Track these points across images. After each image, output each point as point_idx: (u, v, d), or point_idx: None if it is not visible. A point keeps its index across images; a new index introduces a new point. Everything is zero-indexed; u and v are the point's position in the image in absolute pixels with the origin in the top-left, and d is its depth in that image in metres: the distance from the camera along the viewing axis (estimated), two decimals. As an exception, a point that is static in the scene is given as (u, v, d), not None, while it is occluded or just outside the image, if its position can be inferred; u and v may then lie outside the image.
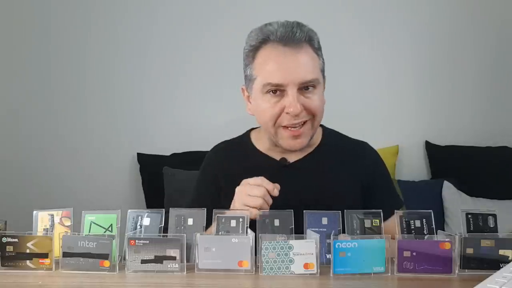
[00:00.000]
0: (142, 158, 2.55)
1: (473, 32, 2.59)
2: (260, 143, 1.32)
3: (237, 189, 1.11)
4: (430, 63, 2.60)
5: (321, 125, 1.36)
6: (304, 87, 1.17)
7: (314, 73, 1.17)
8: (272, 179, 1.24)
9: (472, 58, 2.59)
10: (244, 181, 1.11)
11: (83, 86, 2.62)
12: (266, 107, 1.18)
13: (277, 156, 1.28)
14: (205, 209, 1.04)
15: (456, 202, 2.28)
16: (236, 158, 1.33)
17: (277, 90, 1.16)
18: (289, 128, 1.19)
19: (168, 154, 2.52)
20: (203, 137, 2.36)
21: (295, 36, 1.15)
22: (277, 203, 1.15)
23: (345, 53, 2.51)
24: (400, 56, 2.60)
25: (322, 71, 1.23)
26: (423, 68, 2.60)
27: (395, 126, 2.62)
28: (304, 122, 1.19)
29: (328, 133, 1.35)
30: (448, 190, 2.34)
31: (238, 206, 1.08)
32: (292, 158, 1.28)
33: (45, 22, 2.61)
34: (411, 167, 2.59)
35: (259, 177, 1.09)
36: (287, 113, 1.16)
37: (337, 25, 2.52)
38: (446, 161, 2.53)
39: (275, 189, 1.08)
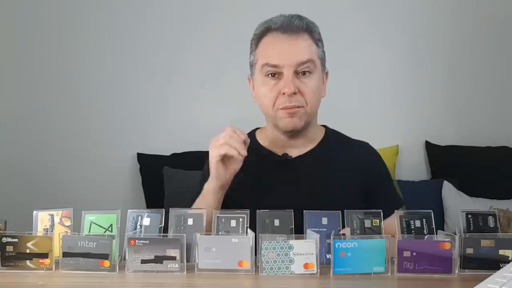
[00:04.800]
0: (142, 158, 2.55)
1: (473, 32, 2.59)
2: (264, 139, 1.34)
3: (214, 138, 1.18)
4: (431, 63, 2.60)
5: (324, 126, 1.38)
6: (301, 72, 1.21)
7: (310, 55, 1.21)
8: (273, 174, 1.26)
9: (472, 58, 2.59)
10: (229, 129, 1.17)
11: (83, 86, 2.62)
12: (265, 90, 1.23)
13: (279, 152, 1.30)
14: (205, 209, 1.04)
15: (456, 202, 2.28)
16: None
17: (275, 73, 1.21)
18: (286, 108, 1.22)
19: (168, 154, 2.52)
20: (203, 137, 2.33)
21: (294, 24, 1.22)
22: (278, 198, 1.16)
23: (345, 53, 2.51)
24: (401, 56, 2.60)
25: (322, 60, 1.26)
26: (424, 68, 2.60)
27: (395, 126, 2.62)
28: (298, 107, 1.22)
29: (330, 132, 1.37)
30: (448, 190, 2.34)
31: (211, 159, 1.16)
32: (293, 154, 1.29)
33: (44, 23, 2.61)
34: (411, 167, 2.59)
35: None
36: (283, 93, 1.20)
37: (337, 25, 2.51)
38: (446, 161, 2.53)
39: (235, 129, 1.16)
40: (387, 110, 2.61)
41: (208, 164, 1.37)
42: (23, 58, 2.62)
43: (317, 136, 1.33)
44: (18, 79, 2.63)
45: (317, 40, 1.25)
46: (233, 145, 1.13)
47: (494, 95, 2.60)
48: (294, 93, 1.19)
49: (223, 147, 1.14)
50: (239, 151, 1.13)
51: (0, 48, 2.61)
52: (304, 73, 1.21)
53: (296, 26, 1.21)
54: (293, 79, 1.19)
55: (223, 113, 2.56)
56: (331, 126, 1.39)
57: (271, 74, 1.22)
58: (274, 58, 1.20)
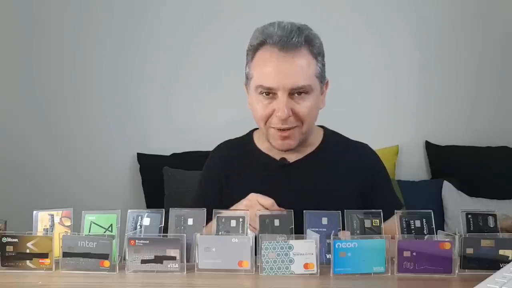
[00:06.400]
0: (142, 158, 2.55)
1: (473, 32, 2.59)
2: (262, 142, 1.33)
3: (246, 203, 1.10)
4: (431, 63, 2.60)
5: (322, 126, 1.37)
6: (297, 92, 1.18)
7: (307, 79, 1.17)
8: (271, 179, 1.25)
9: (473, 58, 2.59)
10: (254, 198, 1.10)
11: (83, 86, 2.62)
12: (258, 107, 1.21)
13: (277, 156, 1.29)
14: (205, 209, 1.04)
15: (456, 202, 2.28)
16: (238, 157, 1.34)
17: (270, 92, 1.18)
18: (278, 129, 1.20)
19: (168, 154, 2.52)
20: (203, 137, 2.36)
21: (292, 40, 1.15)
22: (276, 202, 1.15)
23: (346, 53, 2.50)
24: (401, 56, 2.60)
25: (320, 76, 1.22)
26: (424, 68, 2.60)
27: (395, 126, 2.62)
28: (293, 127, 1.20)
29: (329, 134, 1.35)
30: (448, 190, 2.33)
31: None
32: (291, 158, 1.28)
33: (44, 22, 2.61)
34: (411, 167, 2.59)
35: (270, 200, 1.09)
36: (276, 115, 1.18)
37: (338, 25, 2.51)
38: (446, 161, 2.52)
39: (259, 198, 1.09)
40: (387, 110, 2.61)
41: (207, 169, 1.38)
42: (23, 58, 2.62)
43: (315, 139, 1.32)
44: (18, 79, 2.62)
45: (317, 54, 1.20)
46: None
47: (494, 95, 2.60)
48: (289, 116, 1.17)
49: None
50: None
51: (2, 46, 2.61)
52: (300, 93, 1.18)
53: (294, 43, 1.15)
54: (287, 102, 1.16)
55: (223, 113, 2.56)
56: (332, 126, 1.39)
57: (265, 93, 1.19)
58: (269, 81, 1.16)
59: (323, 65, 1.23)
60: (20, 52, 2.62)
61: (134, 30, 2.61)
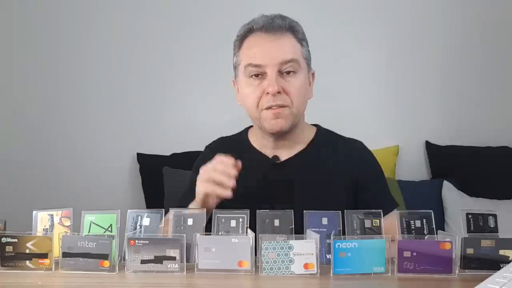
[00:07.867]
0: (142, 158, 2.55)
1: (473, 32, 2.59)
2: (255, 139, 1.34)
3: (203, 168, 1.14)
4: (430, 63, 2.60)
5: (316, 125, 1.37)
6: (285, 71, 1.20)
7: (294, 54, 1.21)
8: (263, 176, 1.26)
9: (473, 58, 2.59)
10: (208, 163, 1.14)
11: (83, 86, 2.62)
12: (249, 90, 1.23)
13: (270, 154, 1.30)
14: (205, 209, 1.05)
15: (456, 202, 2.28)
16: (230, 153, 1.33)
17: (259, 73, 1.21)
18: (270, 108, 1.21)
19: (168, 154, 2.52)
20: (203, 137, 2.34)
21: (276, 23, 1.21)
22: (267, 201, 1.15)
23: (345, 53, 2.51)
24: (400, 56, 2.60)
25: (307, 60, 1.25)
26: (424, 68, 2.60)
27: (395, 126, 2.62)
28: (284, 107, 1.21)
29: (320, 132, 1.36)
30: (448, 190, 2.33)
31: (197, 192, 1.14)
32: (283, 156, 1.29)
33: (45, 22, 2.61)
34: (411, 167, 2.59)
35: (232, 159, 1.13)
36: (267, 93, 1.19)
37: (336, 24, 2.52)
38: (446, 161, 2.52)
39: (224, 158, 1.13)
40: (387, 110, 2.61)
41: (197, 166, 1.37)
42: (23, 58, 2.62)
43: (307, 137, 1.32)
44: (18, 80, 2.62)
45: (301, 40, 1.24)
46: (217, 179, 1.10)
47: (494, 95, 2.59)
48: (279, 92, 1.18)
49: (207, 186, 1.11)
50: (224, 184, 1.09)
51: (1, 47, 2.61)
52: (288, 72, 1.20)
53: (279, 25, 1.21)
54: (277, 79, 1.18)
55: (223, 113, 2.55)
56: (331, 125, 1.39)
57: (254, 74, 1.21)
58: (257, 58, 1.20)
59: (309, 52, 1.26)
60: (20, 52, 2.62)
61: (133, 30, 2.61)
